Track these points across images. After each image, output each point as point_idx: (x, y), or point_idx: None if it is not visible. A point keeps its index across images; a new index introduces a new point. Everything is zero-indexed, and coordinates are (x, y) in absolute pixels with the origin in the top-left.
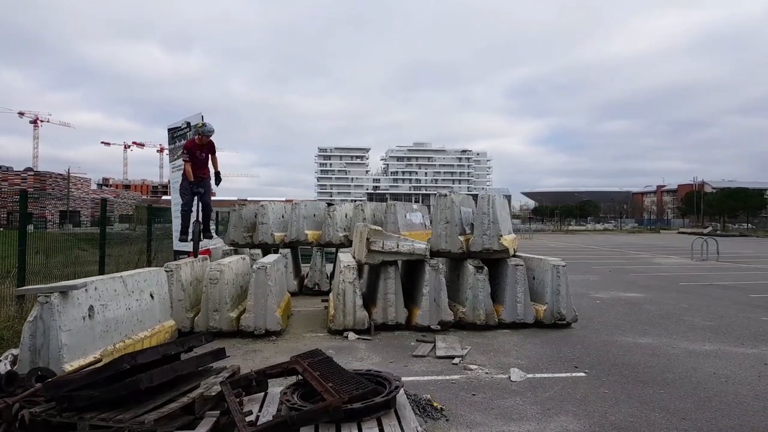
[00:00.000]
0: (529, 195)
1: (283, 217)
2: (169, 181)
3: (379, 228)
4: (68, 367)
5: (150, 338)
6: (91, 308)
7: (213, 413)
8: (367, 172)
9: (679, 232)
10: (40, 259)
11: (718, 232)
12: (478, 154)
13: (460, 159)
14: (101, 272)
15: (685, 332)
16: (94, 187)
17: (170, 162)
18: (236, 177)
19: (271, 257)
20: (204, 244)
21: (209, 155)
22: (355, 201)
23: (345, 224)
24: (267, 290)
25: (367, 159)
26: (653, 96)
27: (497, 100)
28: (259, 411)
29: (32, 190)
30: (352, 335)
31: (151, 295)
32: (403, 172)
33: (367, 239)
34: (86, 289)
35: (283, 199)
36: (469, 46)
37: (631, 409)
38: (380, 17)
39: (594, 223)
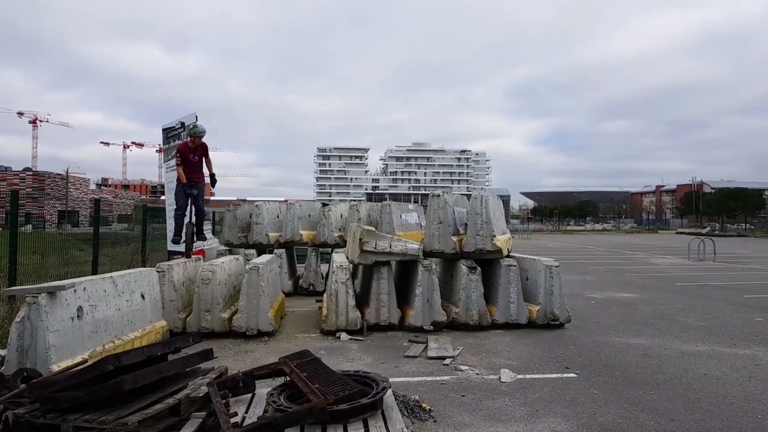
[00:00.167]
0: (528, 195)
1: (278, 217)
2: (164, 182)
3: (372, 228)
4: (56, 367)
5: (140, 339)
6: (79, 309)
7: (199, 414)
8: (366, 172)
9: (677, 233)
10: (36, 259)
11: (716, 232)
12: (477, 154)
13: (459, 159)
14: (94, 272)
15: (678, 333)
16: (93, 187)
17: (164, 162)
18: (236, 177)
19: (264, 258)
20: (199, 244)
21: (203, 158)
22: (350, 201)
23: (340, 224)
24: (259, 291)
25: (366, 159)
26: (653, 96)
27: (497, 101)
28: (246, 412)
29: (31, 190)
30: (344, 336)
31: (142, 296)
32: (402, 172)
33: (360, 239)
34: (75, 290)
35: (282, 199)
36: (469, 46)
37: (620, 410)
38: (380, 17)
39: (593, 223)
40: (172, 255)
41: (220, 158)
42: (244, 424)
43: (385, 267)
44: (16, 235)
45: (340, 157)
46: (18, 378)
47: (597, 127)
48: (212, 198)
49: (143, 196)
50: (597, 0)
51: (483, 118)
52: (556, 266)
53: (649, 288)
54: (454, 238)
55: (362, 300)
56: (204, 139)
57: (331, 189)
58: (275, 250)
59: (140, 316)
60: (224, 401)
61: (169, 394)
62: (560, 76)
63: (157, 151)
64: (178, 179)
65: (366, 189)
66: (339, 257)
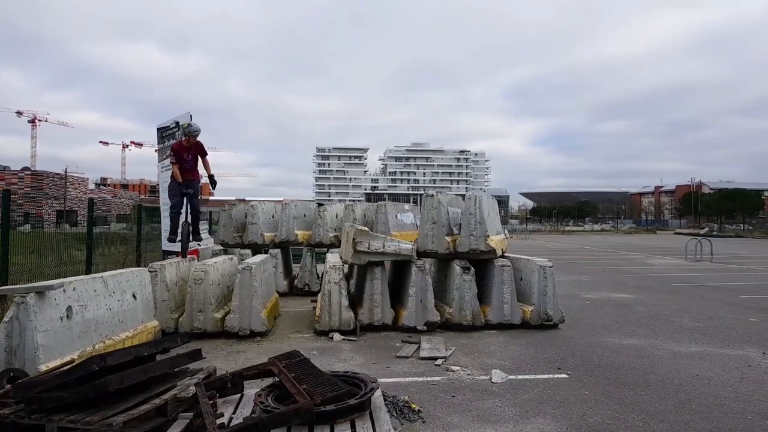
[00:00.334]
0: (527, 195)
1: (273, 217)
2: (158, 181)
3: (366, 228)
4: (44, 367)
5: (132, 339)
6: (69, 309)
7: (187, 415)
8: (365, 172)
9: (675, 233)
10: (32, 258)
11: (715, 232)
12: (476, 154)
13: (458, 159)
14: (88, 272)
15: (672, 333)
16: (91, 186)
17: (159, 162)
18: (235, 177)
19: (257, 257)
20: (194, 244)
21: (198, 158)
22: (344, 201)
23: (335, 224)
24: (252, 291)
25: (366, 159)
26: (652, 96)
27: (496, 101)
28: (233, 413)
29: (29, 189)
30: (337, 336)
31: (134, 296)
32: (402, 172)
33: (353, 240)
34: (64, 290)
35: (281, 199)
36: (469, 47)
37: (610, 411)
38: (380, 17)
39: (592, 223)
40: (167, 255)
41: (219, 158)
42: (231, 424)
43: (378, 267)
44: (8, 235)
45: (339, 157)
46: (4, 378)
47: (596, 128)
48: (211, 198)
49: (142, 196)
50: (596, 0)
51: (482, 119)
52: (550, 267)
53: (645, 288)
54: (448, 239)
55: (356, 300)
56: (204, 139)
57: (330, 189)
58: (270, 250)
59: (132, 316)
60: (211, 402)
61: (156, 395)
62: (559, 77)
63: (156, 150)
64: (173, 177)
65: (365, 189)
66: (333, 257)
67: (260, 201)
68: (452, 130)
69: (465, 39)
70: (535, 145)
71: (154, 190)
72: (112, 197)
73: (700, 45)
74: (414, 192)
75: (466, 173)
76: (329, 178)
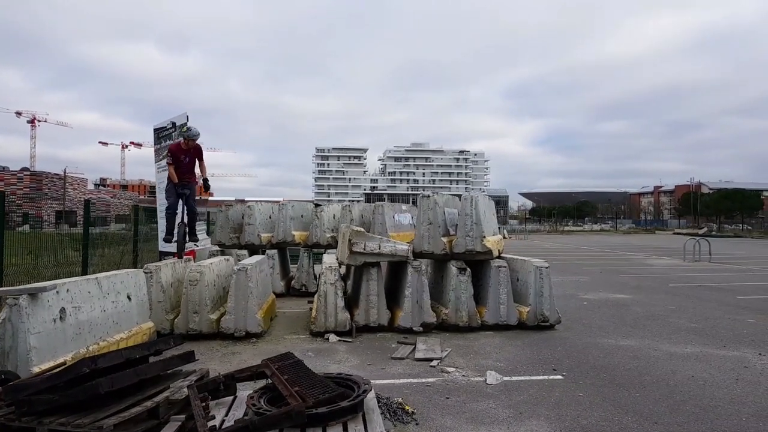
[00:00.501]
0: (526, 195)
1: (270, 217)
2: (156, 182)
3: (361, 229)
4: (37, 369)
5: (126, 340)
6: (62, 310)
7: (179, 417)
8: (364, 172)
9: (674, 233)
10: (29, 259)
11: (713, 232)
12: (475, 154)
13: (457, 159)
14: (84, 273)
15: (668, 334)
16: (91, 187)
17: (155, 162)
18: (234, 177)
19: (253, 258)
20: (191, 245)
21: (195, 160)
22: (343, 201)
23: (333, 225)
24: (248, 292)
25: (365, 159)
26: (651, 97)
27: (495, 101)
28: (226, 415)
29: (28, 190)
30: (333, 337)
31: (129, 297)
32: (401, 173)
33: (349, 240)
34: (57, 291)
35: (280, 199)
36: (468, 47)
37: (604, 412)
38: (379, 18)
39: (591, 223)
40: (164, 255)
41: (219, 158)
42: (223, 427)
43: (374, 268)
44: (2, 236)
45: (338, 157)
46: None
47: (595, 128)
48: (210, 198)
49: (141, 196)
50: (595, 0)
51: (482, 119)
52: (546, 267)
53: (642, 289)
54: (444, 239)
55: (353, 301)
56: (203, 139)
57: (329, 189)
58: (267, 251)
59: (126, 318)
60: (204, 404)
61: (147, 397)
62: (559, 77)
63: (155, 151)
64: (170, 178)
65: (364, 189)
66: (329, 258)
67: (257, 201)
68: (452, 131)
69: (464, 39)
70: (535, 146)
71: (153, 190)
72: (112, 198)
73: (699, 45)
74: (413, 192)
75: (466, 173)
76: (328, 178)
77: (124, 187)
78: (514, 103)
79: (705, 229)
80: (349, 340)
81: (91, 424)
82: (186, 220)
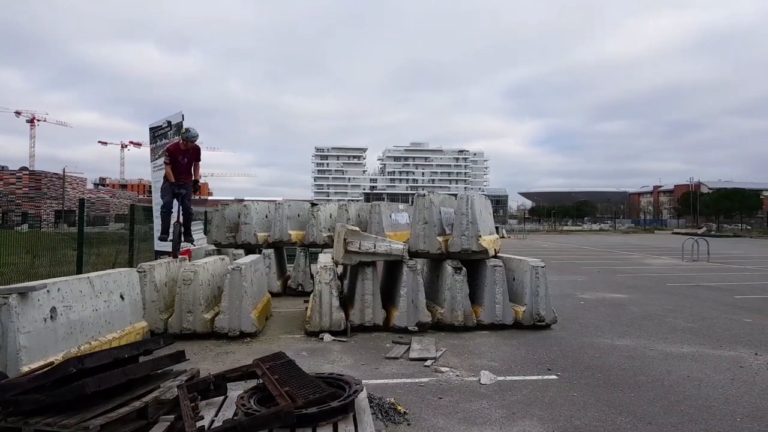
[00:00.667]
0: (526, 195)
1: (266, 217)
2: (152, 181)
3: (356, 228)
4: (26, 369)
5: (119, 340)
6: (53, 310)
7: (168, 417)
8: (364, 172)
9: (673, 233)
10: (27, 258)
11: (712, 232)
12: (475, 154)
13: (457, 159)
14: (79, 272)
15: (665, 334)
16: (90, 186)
17: (151, 161)
18: (234, 177)
19: (248, 258)
20: (186, 245)
21: (192, 161)
22: (347, 201)
23: (329, 224)
24: (242, 291)
25: (364, 159)
26: (651, 97)
27: (495, 101)
28: (215, 416)
29: (27, 189)
30: (327, 337)
31: (121, 296)
32: (400, 172)
33: (344, 240)
34: (48, 291)
35: (280, 199)
36: (468, 47)
37: (597, 413)
38: (379, 18)
39: (590, 223)
40: (159, 255)
41: (218, 158)
42: (212, 427)
43: (369, 267)
44: None
45: (338, 157)
46: None
47: (595, 128)
48: (210, 198)
49: (141, 196)
50: (595, 0)
51: (481, 119)
52: (542, 266)
53: (640, 288)
54: (440, 239)
55: (348, 301)
56: (203, 139)
57: (329, 189)
58: (264, 250)
59: (119, 317)
60: (193, 404)
61: (136, 397)
62: (558, 77)
63: (151, 149)
64: (166, 177)
65: (364, 189)
66: (324, 258)
67: (253, 201)
68: (451, 131)
69: (464, 39)
70: (534, 146)
71: (152, 190)
72: (111, 197)
73: (699, 45)
74: (413, 192)
75: (465, 173)
76: (328, 178)
77: (124, 186)
78: (514, 103)
79: (704, 228)
80: (344, 339)
81: (77, 424)
82: (181, 219)
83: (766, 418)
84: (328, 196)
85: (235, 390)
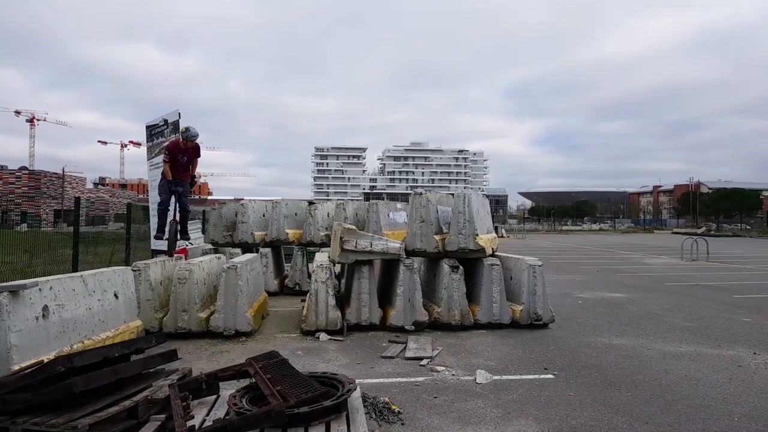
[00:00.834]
0: (525, 195)
1: (263, 216)
2: (148, 180)
3: (353, 227)
4: (17, 368)
5: (113, 339)
6: (45, 308)
7: (158, 417)
8: (363, 171)
9: (672, 233)
10: (25, 257)
11: (712, 232)
12: (474, 154)
13: (456, 159)
14: (75, 271)
15: (663, 333)
16: (90, 186)
17: (148, 160)
18: (234, 176)
19: (244, 256)
20: (182, 243)
21: (191, 160)
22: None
23: (327, 223)
24: (237, 290)
25: (364, 159)
26: (651, 97)
27: (495, 101)
28: (207, 415)
29: (26, 189)
30: (323, 336)
31: (116, 295)
32: (400, 172)
33: (341, 238)
34: (40, 289)
35: (279, 198)
36: (468, 47)
37: (594, 412)
38: (379, 18)
39: (590, 223)
40: (156, 254)
41: (218, 158)
42: (203, 427)
43: (366, 266)
44: None
45: (337, 156)
46: None
47: (595, 128)
48: (209, 197)
49: (141, 195)
50: (595, 0)
51: (481, 119)
52: (540, 265)
53: (638, 288)
54: (437, 237)
55: (345, 300)
56: (203, 139)
57: (328, 189)
58: (261, 249)
59: (113, 316)
60: (184, 403)
61: (126, 396)
62: (558, 77)
63: (148, 147)
64: (164, 175)
65: (363, 189)
66: (321, 256)
67: (251, 200)
68: (451, 131)
69: (464, 39)
70: (534, 145)
71: (149, 188)
72: (110, 197)
73: (699, 45)
74: (413, 192)
75: (465, 173)
76: (328, 177)
77: (123, 186)
78: (513, 103)
79: (704, 228)
80: (340, 338)
81: (65, 423)
82: (178, 217)
83: (764, 418)
84: (328, 196)
85: (229, 389)
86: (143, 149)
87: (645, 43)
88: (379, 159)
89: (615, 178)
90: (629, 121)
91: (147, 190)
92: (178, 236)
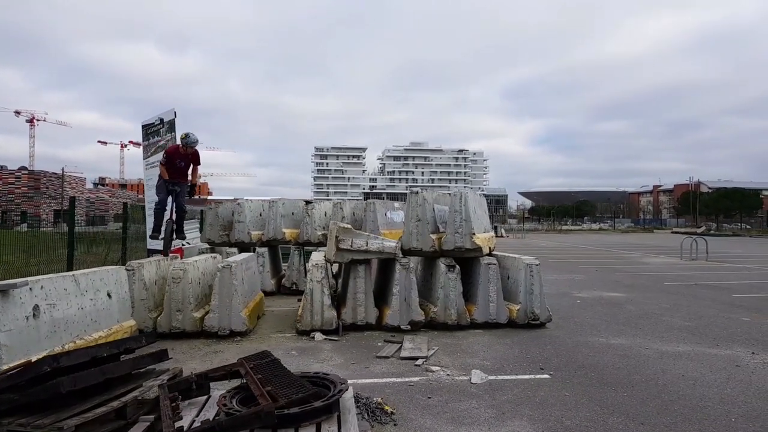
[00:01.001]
0: (525, 195)
1: (260, 215)
2: (144, 179)
3: (348, 226)
4: (5, 368)
5: (106, 339)
6: (36, 308)
7: (147, 418)
8: (363, 171)
9: (672, 232)
10: (23, 257)
11: (712, 231)
12: (474, 153)
13: (456, 159)
14: (70, 270)
15: (661, 333)
16: (89, 186)
17: (144, 159)
18: (234, 176)
19: (239, 256)
20: (177, 243)
21: (190, 165)
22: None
23: (324, 223)
24: (232, 290)
25: (364, 159)
26: (650, 96)
27: (495, 101)
28: (196, 416)
29: (26, 189)
30: (319, 336)
31: (109, 295)
32: (400, 172)
33: (336, 237)
34: (30, 288)
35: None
36: (468, 47)
37: (589, 413)
38: (379, 18)
39: (590, 222)
40: (152, 254)
41: (218, 158)
42: (192, 427)
43: (361, 265)
44: None
45: (337, 156)
46: None
47: (595, 128)
48: (210, 197)
49: (140, 195)
50: (595, 0)
51: (481, 119)
52: (537, 264)
53: (637, 287)
54: (433, 236)
55: (341, 299)
56: (203, 139)
57: (328, 188)
58: (258, 249)
59: (106, 316)
60: (173, 404)
61: (115, 397)
62: (558, 77)
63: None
64: (161, 175)
65: (363, 188)
66: (317, 256)
67: (247, 199)
68: (451, 130)
69: (464, 39)
70: (534, 145)
71: (145, 187)
72: (110, 197)
73: (699, 45)
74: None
75: (465, 173)
76: (327, 177)
77: (123, 186)
78: (513, 103)
79: (703, 227)
80: (335, 338)
81: (51, 424)
82: (174, 217)
83: (761, 418)
84: (328, 196)
85: (221, 390)
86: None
87: (645, 43)
88: (379, 159)
89: (615, 178)
90: (629, 121)
91: (146, 190)
92: (174, 236)
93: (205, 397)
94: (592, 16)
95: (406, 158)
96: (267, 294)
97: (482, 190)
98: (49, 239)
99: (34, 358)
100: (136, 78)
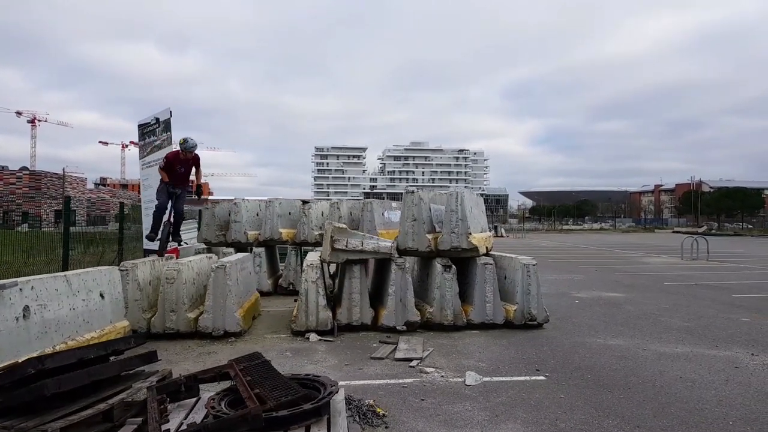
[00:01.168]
0: (526, 194)
1: (257, 215)
2: (140, 179)
3: (344, 226)
4: None
5: (98, 340)
6: (26, 308)
7: (135, 420)
8: (364, 171)
9: (673, 232)
10: (22, 257)
11: (713, 231)
12: (475, 153)
13: (457, 158)
14: (65, 270)
15: (659, 333)
16: (90, 186)
17: (140, 159)
18: (234, 176)
19: (234, 256)
20: (173, 244)
21: (190, 170)
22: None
23: (321, 223)
24: (226, 290)
25: (364, 159)
26: (651, 96)
27: (495, 101)
28: (184, 418)
29: (27, 189)
30: (314, 336)
31: (101, 295)
32: (400, 172)
33: (331, 237)
34: (20, 289)
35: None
36: (468, 47)
37: (584, 415)
38: (379, 18)
39: (591, 222)
40: (148, 254)
41: (218, 158)
42: (179, 430)
43: (357, 266)
44: None
45: (337, 156)
46: None
47: (595, 127)
48: (210, 197)
49: (140, 195)
50: (595, 0)
51: (481, 119)
52: (534, 265)
53: (637, 287)
54: (429, 236)
55: (337, 300)
56: (203, 139)
57: (329, 188)
58: (255, 249)
59: (99, 316)
60: (161, 406)
61: (101, 399)
62: (558, 77)
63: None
64: (162, 179)
65: (364, 188)
66: (312, 256)
67: (244, 199)
68: (451, 130)
69: (464, 39)
70: (534, 145)
71: (141, 187)
72: (111, 197)
73: (699, 44)
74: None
75: (465, 172)
76: (328, 177)
77: (124, 186)
78: (513, 103)
79: (705, 227)
80: (330, 339)
81: (36, 427)
82: (171, 219)
83: (760, 421)
84: (328, 196)
85: (211, 392)
86: None
87: (645, 43)
88: (379, 159)
89: (616, 178)
90: (629, 121)
91: (142, 190)
92: (170, 238)
93: (195, 399)
94: (592, 16)
95: (406, 158)
96: (264, 294)
97: (483, 190)
98: (50, 239)
99: (23, 360)
100: (136, 78)
